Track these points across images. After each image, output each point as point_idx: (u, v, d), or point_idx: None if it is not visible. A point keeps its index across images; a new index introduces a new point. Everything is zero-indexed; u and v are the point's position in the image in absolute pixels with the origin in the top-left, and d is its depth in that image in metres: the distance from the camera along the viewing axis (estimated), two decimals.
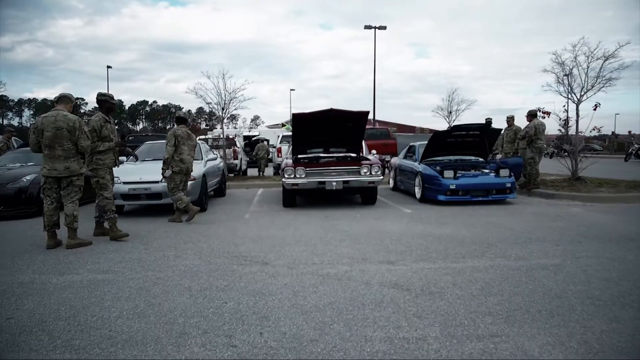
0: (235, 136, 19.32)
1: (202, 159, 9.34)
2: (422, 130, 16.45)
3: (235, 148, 16.54)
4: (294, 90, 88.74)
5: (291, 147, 9.89)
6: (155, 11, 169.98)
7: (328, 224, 6.96)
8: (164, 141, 10.90)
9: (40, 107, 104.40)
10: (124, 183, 7.87)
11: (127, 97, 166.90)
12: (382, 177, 8.78)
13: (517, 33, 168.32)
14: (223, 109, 15.05)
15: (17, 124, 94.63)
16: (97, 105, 6.42)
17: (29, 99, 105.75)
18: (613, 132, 34.34)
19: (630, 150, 27.32)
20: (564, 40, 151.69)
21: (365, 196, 9.18)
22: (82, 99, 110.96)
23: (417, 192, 9.62)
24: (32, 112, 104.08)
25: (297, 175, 8.50)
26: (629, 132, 39.25)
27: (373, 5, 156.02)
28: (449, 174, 8.85)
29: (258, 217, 7.72)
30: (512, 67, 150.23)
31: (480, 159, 10.31)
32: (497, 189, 8.95)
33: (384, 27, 30.09)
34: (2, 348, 2.84)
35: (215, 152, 13.13)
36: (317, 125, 8.87)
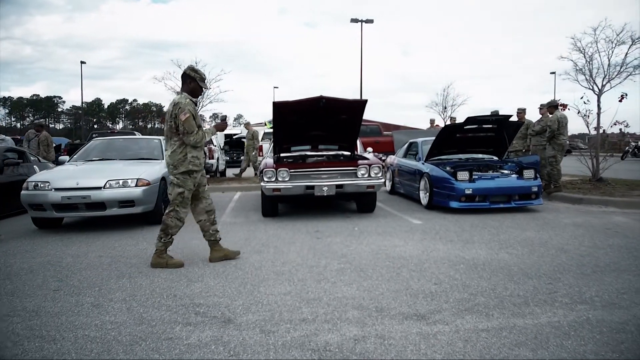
0: None
1: (162, 158, 7.61)
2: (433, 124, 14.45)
3: (211, 146, 14.77)
4: (277, 87, 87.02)
5: (272, 144, 8.20)
6: (135, 8, 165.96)
7: (319, 242, 5.33)
8: (122, 137, 9.20)
9: (16, 105, 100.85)
10: (56, 190, 6.10)
11: (107, 95, 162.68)
12: (383, 180, 7.18)
13: (499, 32, 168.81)
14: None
15: None
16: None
17: (3, 97, 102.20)
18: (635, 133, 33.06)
19: (627, 148, 26.49)
20: (549, 39, 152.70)
21: (361, 203, 7.56)
22: (60, 97, 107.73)
23: (423, 197, 8.04)
24: (7, 110, 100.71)
25: (279, 179, 6.84)
26: (620, 130, 38.40)
27: (356, 5, 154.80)
28: (463, 175, 7.29)
29: (229, 233, 6.04)
30: (493, 66, 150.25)
31: (495, 158, 8.79)
32: (520, 194, 7.42)
33: (371, 21, 28.73)
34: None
35: None
36: (303, 116, 7.21)
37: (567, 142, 9.55)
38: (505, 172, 7.89)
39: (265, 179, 6.87)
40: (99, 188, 6.10)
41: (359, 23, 28.19)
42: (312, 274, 3.99)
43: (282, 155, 7.96)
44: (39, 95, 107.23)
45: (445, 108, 19.11)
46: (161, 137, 8.48)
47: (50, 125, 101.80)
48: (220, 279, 3.90)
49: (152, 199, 6.52)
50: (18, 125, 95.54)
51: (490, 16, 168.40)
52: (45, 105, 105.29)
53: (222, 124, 4.89)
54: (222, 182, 12.51)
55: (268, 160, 7.55)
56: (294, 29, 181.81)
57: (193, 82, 4.48)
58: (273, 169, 6.85)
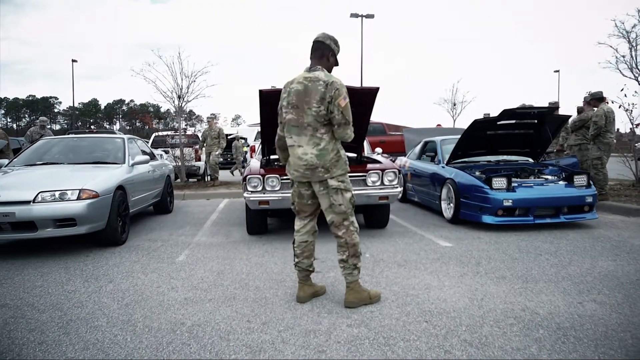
0: (197, 131, 15.95)
1: (124, 162, 6.13)
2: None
3: (197, 147, 13.28)
4: (275, 86, 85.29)
5: (260, 143, 6.68)
6: (134, 8, 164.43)
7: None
8: (77, 136, 7.62)
9: (12, 106, 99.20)
10: None
11: (105, 96, 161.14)
12: (399, 189, 5.67)
13: (496, 33, 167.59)
14: (180, 97, 11.82)
15: None
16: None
17: None
18: None
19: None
20: (546, 41, 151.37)
21: (371, 217, 6.07)
22: (56, 98, 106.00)
23: (446, 208, 6.56)
24: (2, 111, 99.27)
25: (268, 188, 5.35)
26: (631, 129, 37.10)
27: (355, 1, 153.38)
28: (499, 182, 5.80)
29: (200, 260, 4.55)
30: (492, 68, 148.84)
31: (531, 160, 7.31)
32: (570, 206, 5.93)
33: (372, 16, 27.30)
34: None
35: (160, 152, 9.94)
36: None
37: (615, 140, 8.09)
38: (549, 177, 6.41)
39: (250, 189, 5.38)
40: (27, 202, 4.59)
41: (359, 18, 26.83)
42: (308, 352, 2.49)
43: (271, 157, 6.45)
44: (34, 95, 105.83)
45: (455, 105, 17.61)
46: (125, 136, 6.97)
47: (47, 126, 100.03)
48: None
49: (102, 214, 5.01)
50: (14, 126, 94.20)
51: (492, 13, 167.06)
52: (42, 106, 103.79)
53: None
54: (207, 188, 11.00)
55: (254, 164, 6.03)
56: (293, 29, 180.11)
57: (333, 57, 3.31)
58: (259, 176, 5.35)
